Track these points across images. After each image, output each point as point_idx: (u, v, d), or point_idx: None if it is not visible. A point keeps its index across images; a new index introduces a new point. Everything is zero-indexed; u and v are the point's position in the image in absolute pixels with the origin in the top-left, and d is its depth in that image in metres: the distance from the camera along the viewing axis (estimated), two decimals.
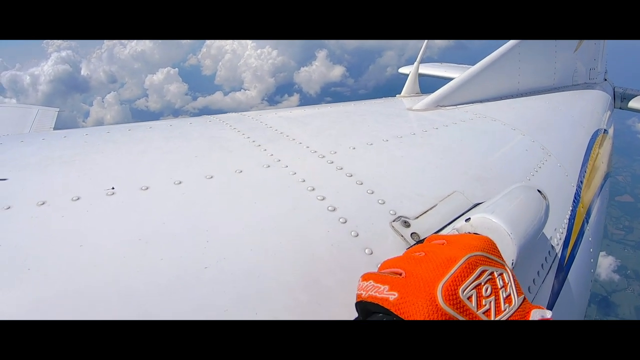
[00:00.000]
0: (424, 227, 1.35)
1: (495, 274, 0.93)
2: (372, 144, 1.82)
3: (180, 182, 1.32)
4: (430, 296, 0.84)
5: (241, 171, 1.44)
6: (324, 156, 1.62)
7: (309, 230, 1.23)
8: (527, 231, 1.21)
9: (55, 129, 7.82)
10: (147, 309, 0.92)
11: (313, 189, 1.38)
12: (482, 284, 0.90)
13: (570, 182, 2.46)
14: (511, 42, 3.31)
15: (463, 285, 0.87)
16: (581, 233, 2.36)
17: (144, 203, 1.22)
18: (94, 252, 1.02)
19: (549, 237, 1.82)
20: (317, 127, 2.00)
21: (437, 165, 1.79)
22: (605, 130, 4.26)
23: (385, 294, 0.88)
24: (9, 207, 1.13)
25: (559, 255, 1.89)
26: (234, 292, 1.01)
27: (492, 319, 0.86)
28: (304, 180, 1.43)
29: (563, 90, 4.21)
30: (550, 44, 3.94)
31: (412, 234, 1.31)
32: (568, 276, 2.00)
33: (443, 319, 0.82)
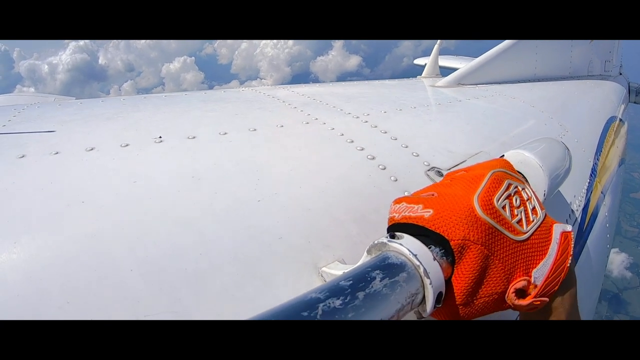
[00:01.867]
0: None
1: (520, 189, 0.99)
2: (401, 110, 1.91)
3: (225, 133, 1.41)
4: (468, 207, 0.87)
5: (282, 126, 1.54)
6: (358, 117, 1.71)
7: (353, 173, 1.32)
8: (555, 167, 1.30)
9: None
10: (206, 234, 1.01)
11: (352, 141, 1.48)
12: (512, 194, 0.95)
13: (587, 157, 2.54)
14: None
15: (496, 195, 0.92)
16: (598, 206, 2.44)
17: (193, 148, 1.31)
18: (148, 188, 1.11)
19: (569, 202, 1.90)
20: (347, 95, 2.10)
21: (463, 129, 1.88)
22: (620, 119, 4.32)
23: (419, 212, 0.89)
24: (57, 153, 1.22)
25: (579, 219, 1.97)
26: (288, 222, 1.10)
27: (524, 229, 0.91)
28: (343, 134, 1.52)
29: (578, 79, 4.28)
30: None
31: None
32: (587, 242, 2.09)
33: (482, 229, 0.85)
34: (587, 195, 2.22)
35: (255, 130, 1.47)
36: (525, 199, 0.98)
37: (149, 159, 1.23)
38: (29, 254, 0.89)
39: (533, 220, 0.94)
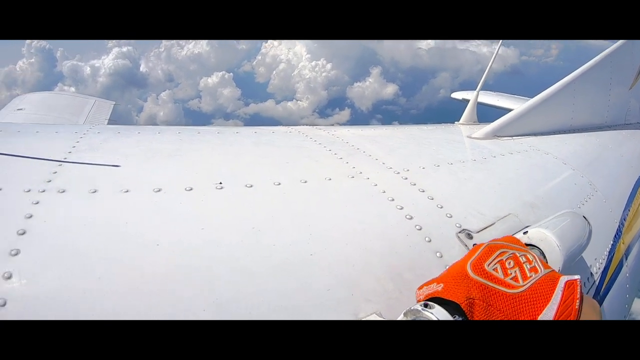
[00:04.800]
0: (484, 240, 1.60)
1: (517, 254, 1.24)
2: (439, 166, 2.07)
3: (279, 184, 1.59)
4: (463, 272, 1.15)
5: (330, 179, 1.71)
6: (398, 172, 1.88)
7: (392, 233, 1.50)
8: (572, 246, 1.48)
9: (110, 121, 8.25)
10: (263, 285, 1.20)
11: (393, 200, 1.64)
12: (505, 260, 1.21)
13: (614, 218, 2.64)
14: (567, 78, 3.46)
15: (487, 262, 1.18)
16: (619, 267, 2.54)
17: (250, 198, 1.50)
18: (214, 235, 1.30)
19: (589, 265, 2.03)
20: (389, 146, 2.26)
21: (495, 189, 2.02)
22: None
23: (435, 288, 1.15)
24: (127, 191, 1.40)
25: (597, 282, 2.10)
26: (335, 276, 1.28)
27: (520, 283, 1.15)
28: (384, 192, 1.69)
29: (615, 129, 4.31)
30: (605, 78, 4.02)
31: (473, 245, 1.56)
32: (603, 304, 2.20)
33: (477, 287, 1.10)
34: (608, 257, 2.34)
35: (306, 182, 1.65)
36: (523, 261, 1.22)
37: (212, 206, 1.43)
38: (110, 290, 1.07)
39: (530, 277, 1.17)
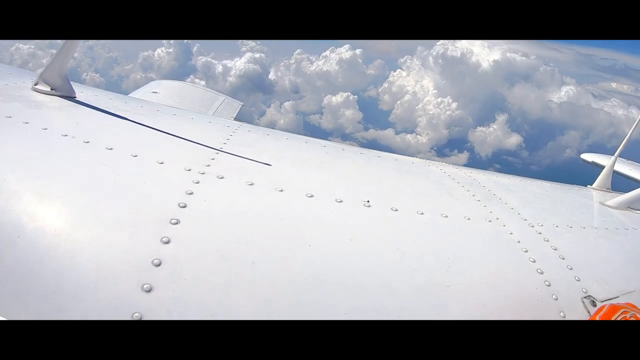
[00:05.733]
0: None
1: (638, 315, 1.41)
2: (571, 227, 2.14)
3: (422, 213, 1.77)
4: None
5: (469, 219, 1.87)
6: (533, 226, 1.99)
7: (522, 283, 1.63)
8: None
9: (235, 120, 8.85)
10: (405, 304, 1.38)
11: (526, 251, 1.77)
12: (628, 317, 1.40)
13: None
14: None
15: (612, 317, 1.40)
16: None
17: (396, 222, 1.69)
18: (363, 249, 1.50)
19: None
20: (524, 198, 2.37)
21: (623, 262, 2.06)
22: None
23: None
24: (282, 190, 1.63)
25: None
26: (465, 309, 1.44)
27: None
28: (519, 242, 1.82)
29: None
30: None
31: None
32: None
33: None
34: None
35: (446, 217, 1.81)
36: None
37: (360, 221, 1.63)
38: (262, 277, 1.28)
39: None
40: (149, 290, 1.17)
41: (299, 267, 1.35)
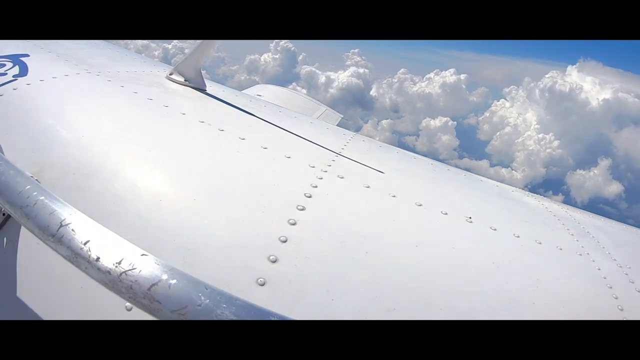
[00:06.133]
0: None
1: None
2: None
3: (518, 236, 1.87)
4: None
5: (561, 249, 1.94)
6: (621, 267, 2.02)
7: (602, 313, 1.70)
8: None
9: None
10: (494, 311, 1.48)
11: (611, 287, 1.82)
12: None
13: None
14: None
15: None
16: None
17: (492, 239, 1.81)
18: (463, 259, 1.63)
19: None
20: (616, 240, 2.38)
21: None
22: None
23: None
24: (394, 196, 1.79)
25: None
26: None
27: None
28: (605, 278, 1.87)
29: None
30: None
31: None
32: None
33: None
34: None
35: (540, 243, 1.91)
36: None
37: (462, 234, 1.77)
38: (376, 272, 1.44)
39: None
40: (274, 261, 1.37)
41: (404, 262, 1.52)
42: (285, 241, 1.42)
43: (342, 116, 10.31)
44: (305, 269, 1.38)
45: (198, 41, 2.53)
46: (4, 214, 1.49)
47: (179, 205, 1.55)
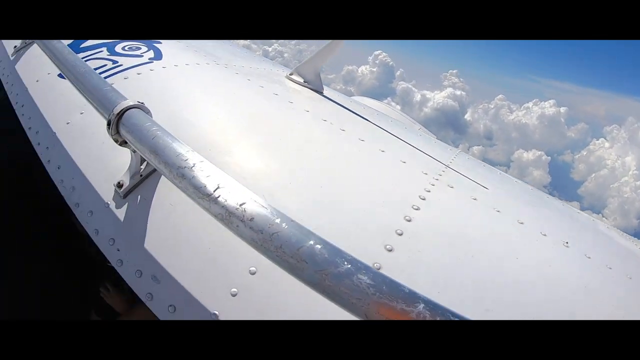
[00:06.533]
0: None
1: None
2: None
3: (610, 268, 1.90)
4: None
5: (611, 268, 1.91)
6: None
7: None
8: None
9: None
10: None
11: None
12: None
13: None
14: None
15: None
16: None
17: (587, 266, 1.83)
18: (556, 276, 1.66)
19: None
20: None
21: None
22: None
23: None
24: (499, 211, 1.87)
25: None
26: None
27: None
28: None
29: None
30: None
31: None
32: None
33: None
34: None
35: (630, 278, 1.92)
36: None
37: (559, 256, 1.80)
38: (476, 270, 1.53)
39: None
40: (390, 250, 1.48)
41: (504, 271, 1.58)
42: (401, 234, 1.55)
43: (434, 137, 10.25)
44: (417, 261, 1.49)
45: (325, 41, 2.75)
46: (141, 175, 1.67)
47: (304, 189, 1.69)
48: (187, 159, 1.25)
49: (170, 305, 1.40)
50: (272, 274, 1.35)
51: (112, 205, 1.67)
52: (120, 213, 1.64)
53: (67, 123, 2.07)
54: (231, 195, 1.14)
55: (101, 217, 1.67)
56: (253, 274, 1.39)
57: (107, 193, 1.71)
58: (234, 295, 1.36)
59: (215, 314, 1.34)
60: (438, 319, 0.89)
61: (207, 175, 1.20)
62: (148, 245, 1.54)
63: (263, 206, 1.12)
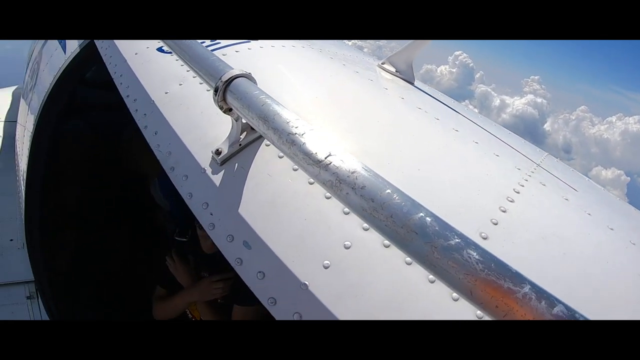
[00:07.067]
0: None
1: None
2: None
3: None
4: None
5: None
6: None
7: None
8: None
9: None
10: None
11: None
12: None
13: None
14: None
15: None
16: None
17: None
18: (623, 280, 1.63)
19: None
20: None
21: None
22: None
23: None
24: (590, 214, 1.81)
25: None
26: None
27: None
28: None
29: None
30: None
31: None
32: None
33: None
34: None
35: None
36: None
37: (627, 260, 1.68)
38: (565, 268, 1.47)
39: None
40: (485, 238, 1.45)
41: (595, 272, 1.53)
42: (496, 224, 1.52)
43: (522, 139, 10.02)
44: (510, 252, 1.45)
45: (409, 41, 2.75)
46: (240, 145, 1.70)
47: (401, 171, 1.68)
48: (297, 127, 1.27)
49: (260, 272, 1.42)
50: (366, 249, 1.37)
51: (209, 171, 1.71)
52: (217, 179, 1.69)
53: (166, 93, 2.13)
54: (343, 163, 1.15)
55: (196, 182, 1.72)
56: (347, 248, 1.39)
57: (204, 159, 1.76)
58: (326, 267, 1.37)
59: (305, 284, 1.35)
60: (543, 303, 0.87)
61: (317, 143, 1.22)
62: (243, 211, 1.57)
63: (374, 176, 1.13)
